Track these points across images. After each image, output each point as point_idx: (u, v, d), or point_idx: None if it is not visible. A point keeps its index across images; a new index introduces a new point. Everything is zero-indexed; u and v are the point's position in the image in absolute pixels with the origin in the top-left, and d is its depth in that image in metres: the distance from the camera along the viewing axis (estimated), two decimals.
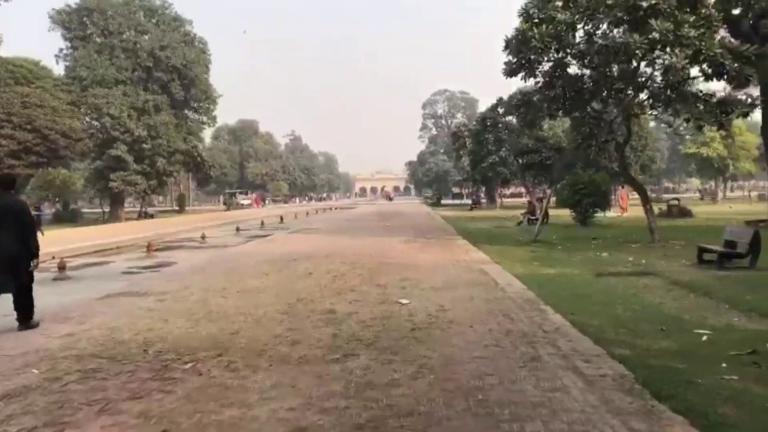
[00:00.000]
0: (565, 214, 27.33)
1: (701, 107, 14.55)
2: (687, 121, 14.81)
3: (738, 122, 46.38)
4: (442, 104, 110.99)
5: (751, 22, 17.93)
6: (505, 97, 37.18)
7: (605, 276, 11.31)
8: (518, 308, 7.76)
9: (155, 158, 46.59)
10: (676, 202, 30.70)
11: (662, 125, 75.38)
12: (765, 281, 10.02)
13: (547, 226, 20.62)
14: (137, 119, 45.83)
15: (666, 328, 6.85)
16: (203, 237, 23.86)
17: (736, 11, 17.68)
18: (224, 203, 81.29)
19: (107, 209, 49.45)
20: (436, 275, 10.92)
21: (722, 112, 14.54)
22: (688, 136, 66.48)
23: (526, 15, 16.05)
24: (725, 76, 14.16)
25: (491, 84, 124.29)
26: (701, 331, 6.66)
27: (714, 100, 14.58)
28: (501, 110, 39.24)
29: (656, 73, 14.95)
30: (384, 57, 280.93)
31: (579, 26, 15.74)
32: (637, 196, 17.42)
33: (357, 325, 7.01)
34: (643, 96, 15.72)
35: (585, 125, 17.50)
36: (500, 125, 40.56)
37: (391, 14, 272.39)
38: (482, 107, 54.53)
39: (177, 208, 66.29)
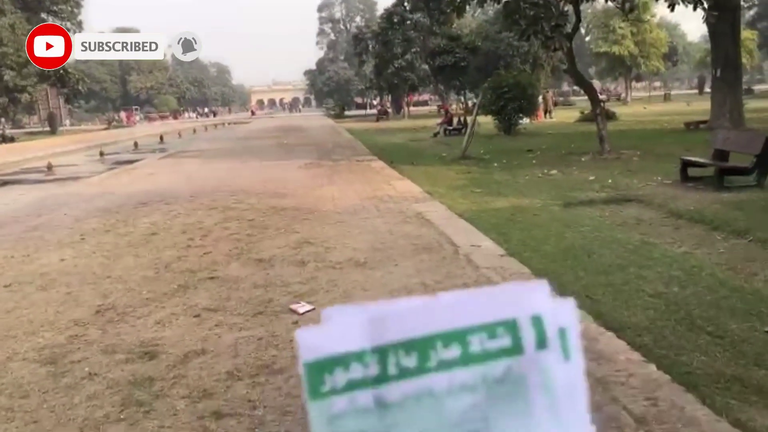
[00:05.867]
0: (485, 121, 24.24)
1: None
2: None
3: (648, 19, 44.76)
4: (339, 6, 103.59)
5: None
6: None
7: (576, 206, 8.43)
8: None
9: (2, 71, 38.76)
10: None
11: None
12: None
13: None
14: None
15: None
16: (50, 167, 18.99)
17: None
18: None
19: None
20: (355, 231, 6.98)
21: None
22: (590, 36, 64.67)
23: None
24: None
25: None
26: None
27: None
28: (407, 5, 35.01)
29: None
30: None
31: None
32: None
33: (188, 407, 3.02)
34: None
35: (521, 10, 13.93)
36: (408, 22, 36.17)
37: None
38: (381, 11, 49.09)
39: (48, 129, 58.07)
